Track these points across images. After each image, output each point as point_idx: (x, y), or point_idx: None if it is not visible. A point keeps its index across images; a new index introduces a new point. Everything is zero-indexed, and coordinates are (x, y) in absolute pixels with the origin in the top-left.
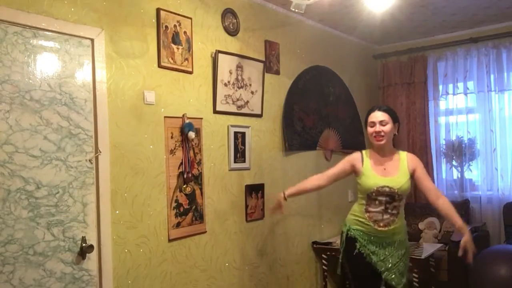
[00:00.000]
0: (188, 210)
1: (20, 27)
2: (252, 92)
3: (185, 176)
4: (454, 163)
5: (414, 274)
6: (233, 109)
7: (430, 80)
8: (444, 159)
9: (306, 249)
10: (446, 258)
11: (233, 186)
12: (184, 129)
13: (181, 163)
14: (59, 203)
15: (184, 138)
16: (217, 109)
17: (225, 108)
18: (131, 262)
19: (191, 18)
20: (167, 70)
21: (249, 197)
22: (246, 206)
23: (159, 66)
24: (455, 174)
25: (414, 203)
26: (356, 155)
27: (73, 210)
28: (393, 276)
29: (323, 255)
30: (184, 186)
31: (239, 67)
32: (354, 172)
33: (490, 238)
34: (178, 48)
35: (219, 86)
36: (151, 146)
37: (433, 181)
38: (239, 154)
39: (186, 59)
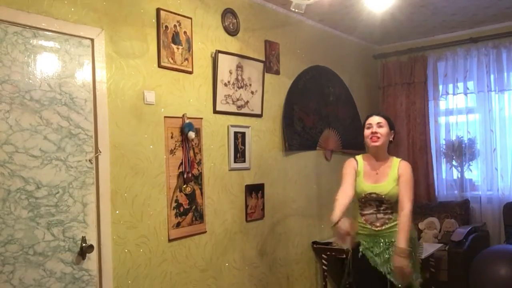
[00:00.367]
0: (188, 210)
1: (20, 27)
2: (252, 92)
3: (185, 176)
4: (454, 163)
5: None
6: (233, 109)
7: (430, 80)
8: (444, 159)
9: (306, 249)
10: (446, 258)
11: (233, 186)
12: (184, 129)
13: (181, 163)
14: (59, 203)
15: (184, 138)
16: (217, 109)
17: (225, 108)
18: (131, 262)
19: (191, 18)
20: (167, 70)
21: (249, 197)
22: (246, 206)
23: (159, 66)
24: (455, 174)
25: (414, 203)
26: (351, 161)
27: (73, 210)
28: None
29: (323, 255)
30: (184, 186)
31: (239, 67)
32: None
33: (490, 238)
34: (178, 48)
35: (219, 86)
36: (151, 146)
37: (433, 181)
38: (239, 154)
39: (186, 59)
